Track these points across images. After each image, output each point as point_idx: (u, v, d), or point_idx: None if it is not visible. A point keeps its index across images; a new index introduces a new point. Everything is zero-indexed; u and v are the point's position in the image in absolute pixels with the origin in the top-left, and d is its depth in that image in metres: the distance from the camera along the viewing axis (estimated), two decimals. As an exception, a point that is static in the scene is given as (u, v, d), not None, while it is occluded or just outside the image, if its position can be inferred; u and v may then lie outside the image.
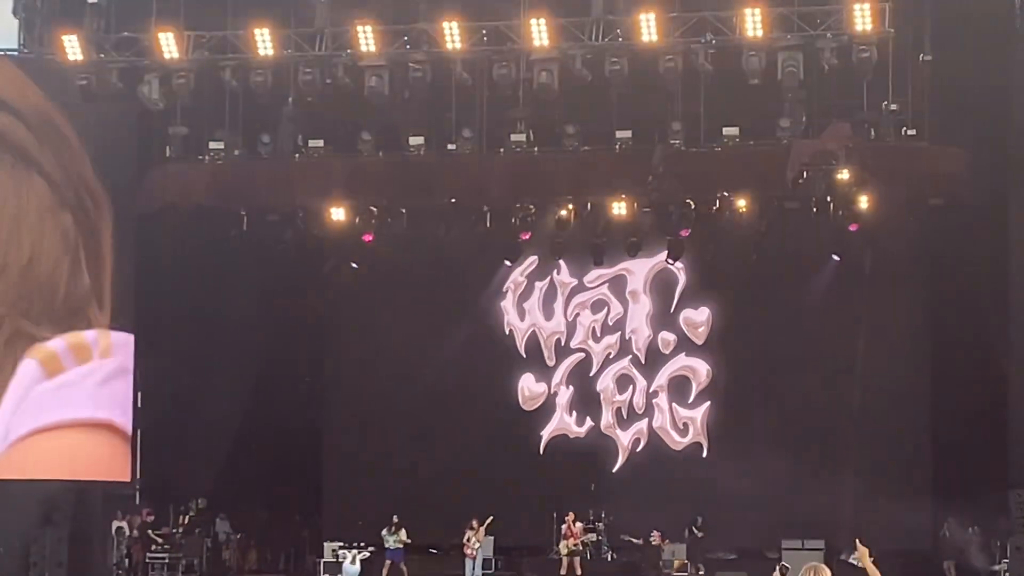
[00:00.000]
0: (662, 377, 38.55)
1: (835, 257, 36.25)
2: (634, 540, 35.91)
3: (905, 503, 34.42)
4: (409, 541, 35.19)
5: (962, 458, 33.88)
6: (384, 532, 35.29)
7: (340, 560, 33.65)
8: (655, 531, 35.48)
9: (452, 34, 29.49)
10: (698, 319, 38.41)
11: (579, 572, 35.01)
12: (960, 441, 34.19)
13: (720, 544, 36.54)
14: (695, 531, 36.06)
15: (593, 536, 36.25)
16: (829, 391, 36.60)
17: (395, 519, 35.41)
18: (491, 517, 35.21)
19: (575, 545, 35.14)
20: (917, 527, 35.01)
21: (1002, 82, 30.72)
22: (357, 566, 33.07)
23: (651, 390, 38.50)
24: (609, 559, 36.71)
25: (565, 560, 35.10)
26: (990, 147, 31.56)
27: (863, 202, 33.58)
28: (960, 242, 34.15)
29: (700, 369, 38.36)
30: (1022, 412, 30.69)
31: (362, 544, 35.30)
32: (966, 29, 30.28)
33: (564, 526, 35.44)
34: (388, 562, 35.20)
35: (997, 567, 33.06)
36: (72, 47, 30.42)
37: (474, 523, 34.95)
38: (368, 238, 36.17)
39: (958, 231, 34.04)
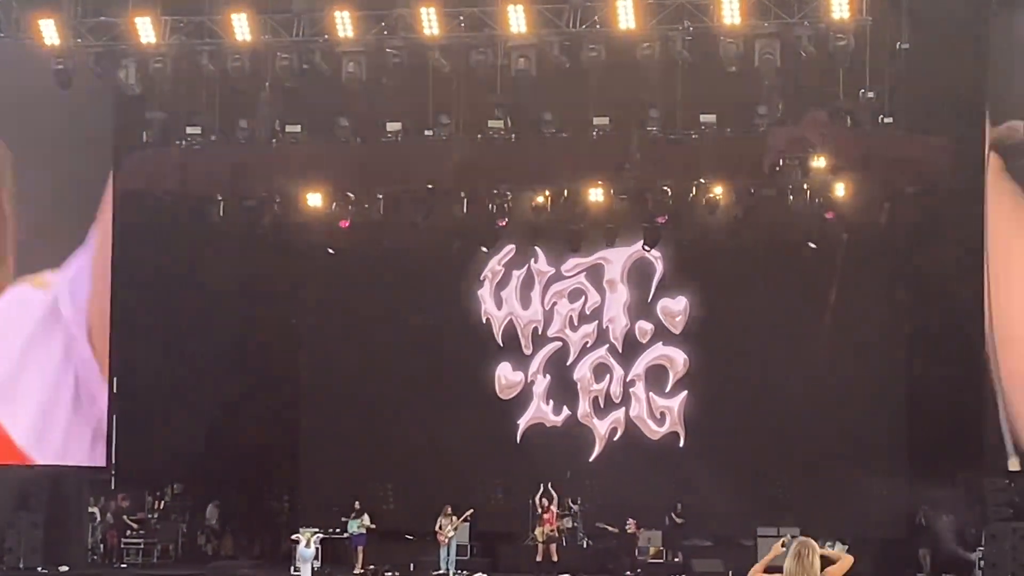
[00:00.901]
0: (639, 366, 38.53)
1: (811, 245, 36.24)
2: (610, 528, 35.92)
3: (881, 491, 34.57)
4: (373, 526, 35.14)
5: (938, 446, 33.91)
6: (348, 518, 35.28)
7: (295, 544, 33.39)
8: (631, 519, 35.50)
9: (429, 20, 29.42)
10: (675, 308, 38.38)
11: (555, 559, 34.95)
12: (936, 429, 34.23)
13: (696, 532, 36.53)
14: (675, 517, 36.06)
15: (569, 522, 36.24)
16: (805, 380, 36.54)
17: (356, 505, 35.45)
18: (471, 510, 35.19)
19: (551, 531, 35.05)
20: (893, 515, 35.04)
21: (978, 70, 30.80)
22: (312, 549, 32.84)
23: (628, 379, 38.46)
24: (584, 546, 36.74)
25: (541, 547, 35.01)
26: (966, 135, 31.66)
27: (839, 190, 33.64)
28: (936, 229, 34.21)
29: (677, 358, 38.34)
30: (998, 400, 30.75)
31: (338, 530, 35.24)
32: (943, 17, 30.30)
33: (542, 509, 35.33)
34: (356, 548, 35.19)
35: (972, 555, 33.15)
36: (48, 31, 30.32)
37: (448, 510, 34.91)
38: (345, 224, 36.11)
39: (934, 219, 34.11)
